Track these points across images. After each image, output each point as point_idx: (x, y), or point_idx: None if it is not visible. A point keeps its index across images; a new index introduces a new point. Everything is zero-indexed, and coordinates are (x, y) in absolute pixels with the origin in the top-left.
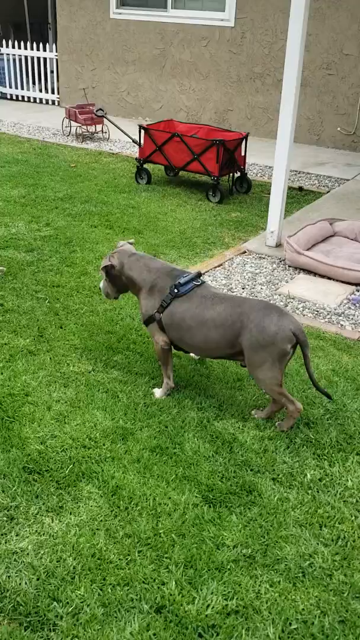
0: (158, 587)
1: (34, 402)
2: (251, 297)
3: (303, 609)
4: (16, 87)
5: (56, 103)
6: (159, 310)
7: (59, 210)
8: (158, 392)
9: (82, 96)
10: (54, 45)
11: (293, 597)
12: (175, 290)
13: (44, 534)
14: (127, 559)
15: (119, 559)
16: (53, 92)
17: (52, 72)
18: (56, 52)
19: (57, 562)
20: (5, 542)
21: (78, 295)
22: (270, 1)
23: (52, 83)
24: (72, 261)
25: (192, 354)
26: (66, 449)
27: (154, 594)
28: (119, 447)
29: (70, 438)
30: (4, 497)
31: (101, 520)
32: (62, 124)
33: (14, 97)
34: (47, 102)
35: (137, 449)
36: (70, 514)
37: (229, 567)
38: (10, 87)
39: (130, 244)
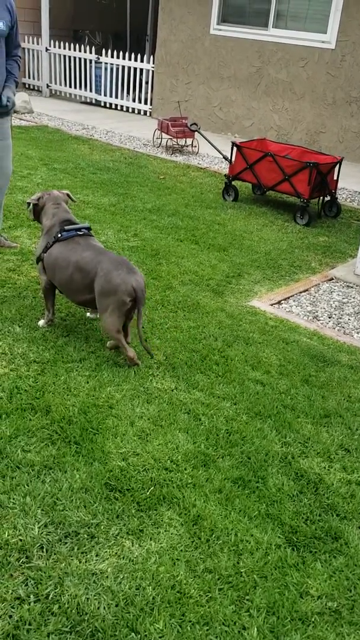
0: (239, 632)
1: (118, 415)
2: (112, 252)
3: None
4: (110, 96)
5: (148, 114)
6: (44, 250)
7: (147, 221)
8: (41, 322)
9: (174, 108)
10: (150, 57)
11: None
12: (59, 235)
13: (123, 558)
14: (207, 596)
15: (199, 595)
16: (146, 103)
17: (146, 83)
18: (153, 63)
19: (136, 589)
20: (86, 562)
21: (162, 310)
22: None
23: (146, 94)
24: (158, 274)
25: (87, 314)
26: (148, 469)
27: (235, 638)
28: (200, 474)
29: (152, 458)
30: (86, 513)
31: (181, 550)
32: (154, 135)
33: (108, 105)
34: (138, 112)
35: (219, 478)
36: (151, 539)
37: (313, 619)
38: (105, 95)
39: (67, 194)
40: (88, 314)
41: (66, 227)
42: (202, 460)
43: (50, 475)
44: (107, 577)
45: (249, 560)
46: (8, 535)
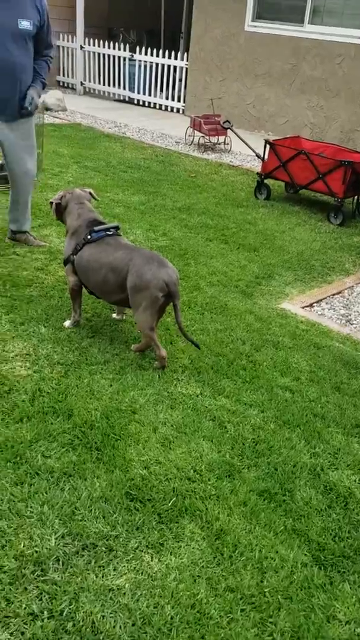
0: None
1: (141, 421)
2: (144, 248)
3: None
4: (144, 93)
5: (180, 111)
6: (74, 252)
7: (176, 220)
8: (67, 323)
9: (207, 106)
10: (184, 54)
11: None
12: (88, 237)
13: (142, 573)
14: (228, 617)
15: (220, 616)
16: (179, 100)
17: (180, 80)
18: (186, 61)
19: (154, 608)
20: (103, 576)
21: (189, 312)
22: None
23: (179, 91)
24: (186, 274)
25: (113, 315)
26: (170, 478)
27: None
28: (224, 485)
29: (175, 467)
30: (105, 524)
31: (203, 567)
32: (186, 133)
33: (141, 103)
34: (171, 110)
35: (244, 490)
36: (171, 554)
37: None
38: (139, 92)
39: (89, 193)
40: (114, 315)
41: (95, 228)
42: (226, 470)
43: (70, 483)
44: (124, 593)
45: (273, 579)
46: (24, 547)
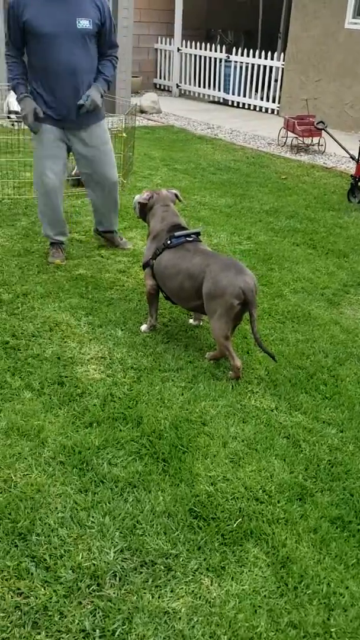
0: None
1: (210, 433)
2: (224, 255)
3: None
4: (238, 94)
5: (275, 112)
6: (153, 257)
7: (263, 223)
8: (143, 327)
9: (302, 107)
10: (281, 54)
11: None
12: (168, 242)
13: (200, 598)
14: None
15: None
16: (274, 101)
17: (275, 81)
18: (283, 61)
19: (209, 637)
20: (159, 597)
21: (269, 320)
22: None
23: (274, 92)
24: (268, 280)
25: (190, 320)
26: (237, 497)
27: None
28: (294, 509)
29: (243, 486)
30: (165, 541)
31: (265, 596)
32: (279, 134)
33: (235, 104)
34: (265, 111)
35: (316, 516)
36: (232, 579)
37: None
38: (233, 93)
39: (175, 194)
40: (190, 321)
41: (176, 234)
42: (298, 493)
43: (134, 494)
44: (179, 618)
45: (341, 618)
46: (82, 558)
